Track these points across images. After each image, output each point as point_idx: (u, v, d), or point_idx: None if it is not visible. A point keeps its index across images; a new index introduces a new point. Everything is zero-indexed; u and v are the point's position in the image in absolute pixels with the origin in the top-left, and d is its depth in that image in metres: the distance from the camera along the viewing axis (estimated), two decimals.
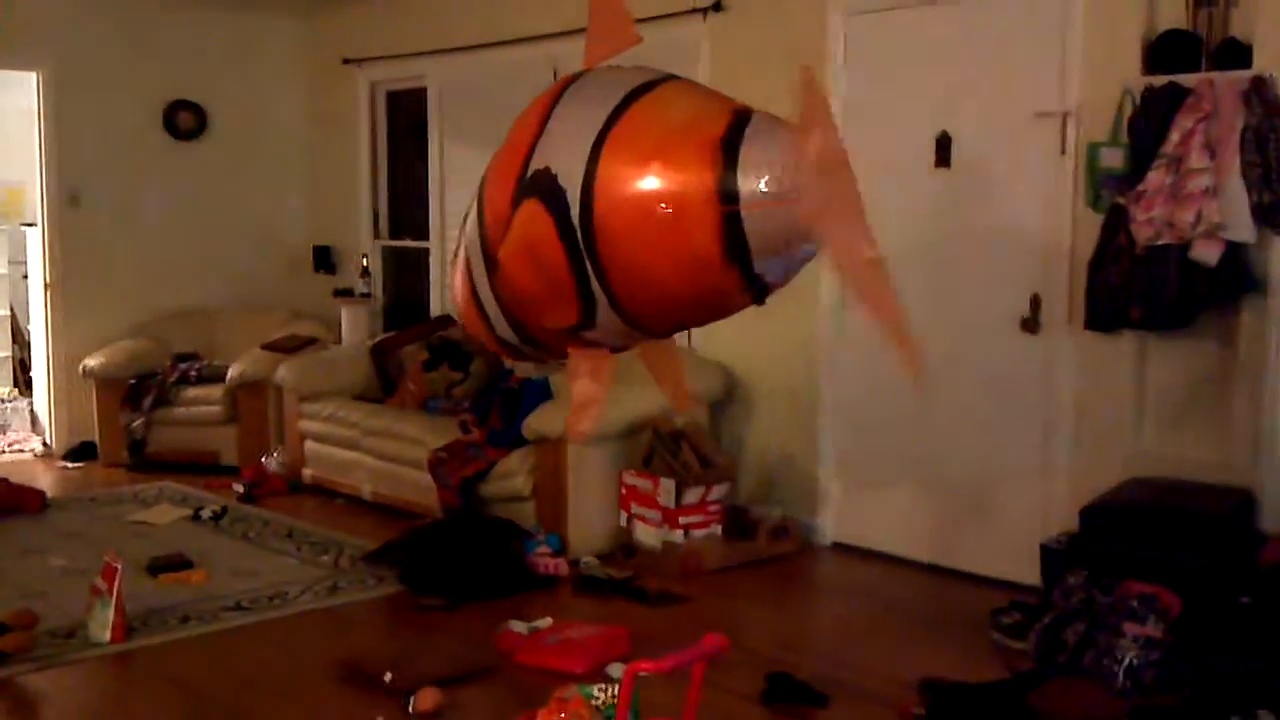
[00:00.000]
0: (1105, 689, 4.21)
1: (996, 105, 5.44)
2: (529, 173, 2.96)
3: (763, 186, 2.72)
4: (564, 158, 2.91)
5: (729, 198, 2.69)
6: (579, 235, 2.86)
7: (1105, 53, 5.03)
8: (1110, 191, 4.90)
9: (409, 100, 8.59)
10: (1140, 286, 4.72)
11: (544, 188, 2.91)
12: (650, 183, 2.78)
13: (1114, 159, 4.90)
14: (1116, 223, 4.81)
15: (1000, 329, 5.46)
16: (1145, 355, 5.03)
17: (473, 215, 3.29)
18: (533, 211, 2.95)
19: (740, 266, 2.78)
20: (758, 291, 2.90)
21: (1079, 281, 5.05)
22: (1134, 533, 4.55)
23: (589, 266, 2.90)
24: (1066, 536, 4.88)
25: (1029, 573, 5.12)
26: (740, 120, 2.79)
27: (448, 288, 3.60)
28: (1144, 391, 5.06)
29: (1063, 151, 5.19)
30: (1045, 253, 5.29)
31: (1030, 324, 5.35)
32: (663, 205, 2.77)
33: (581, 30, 7.27)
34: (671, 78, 3.03)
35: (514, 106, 7.40)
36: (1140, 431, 5.07)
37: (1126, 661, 4.19)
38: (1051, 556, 4.85)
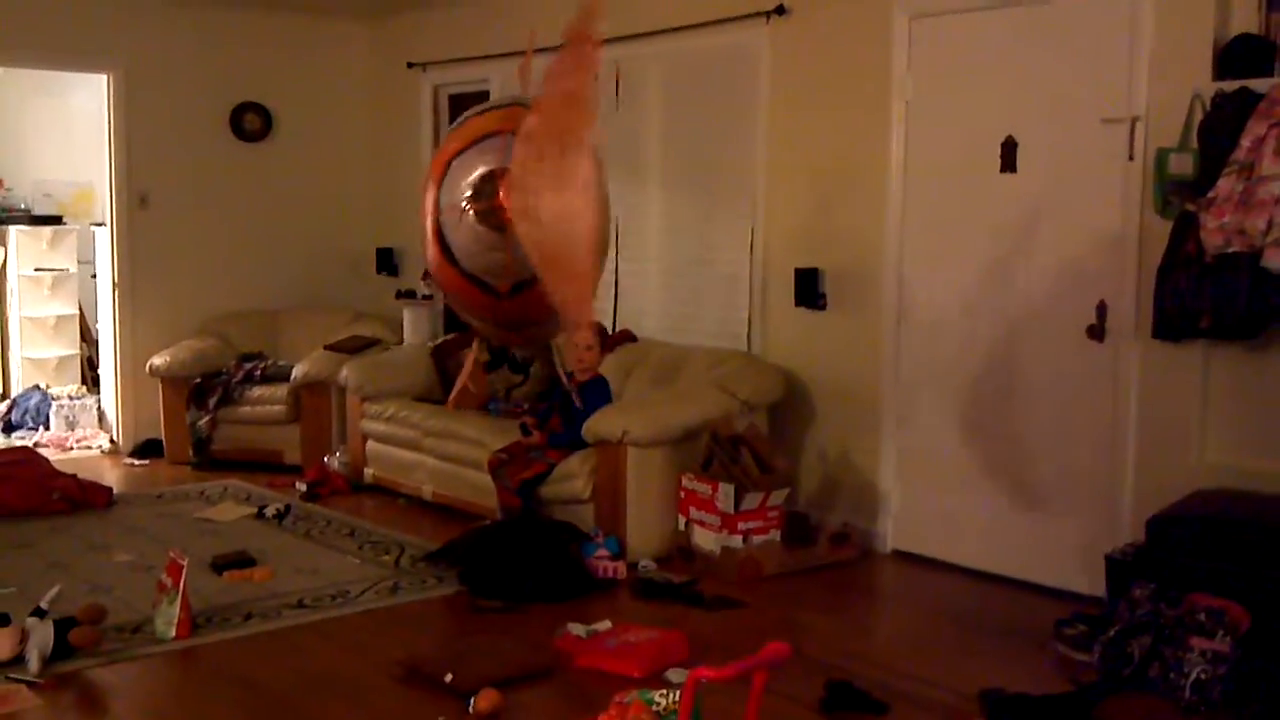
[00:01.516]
0: (1171, 703, 4.16)
1: (1063, 110, 5.38)
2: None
3: (454, 198, 3.31)
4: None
5: (436, 205, 3.39)
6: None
7: (1175, 57, 4.97)
8: (1179, 198, 4.83)
9: (471, 103, 8.56)
10: (1210, 295, 4.65)
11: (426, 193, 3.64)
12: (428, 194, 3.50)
13: (1183, 165, 4.83)
14: (1185, 230, 4.74)
15: (1066, 336, 5.40)
16: (1213, 364, 4.96)
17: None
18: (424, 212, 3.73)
19: (454, 264, 3.40)
20: (489, 290, 3.45)
21: (1146, 289, 4.98)
22: (1202, 545, 4.48)
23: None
24: (1132, 548, 4.82)
25: (1093, 584, 5.07)
26: (475, 141, 3.41)
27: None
28: (1212, 401, 4.98)
29: (1131, 157, 5.13)
30: (1112, 260, 5.22)
31: (1096, 331, 5.29)
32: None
33: (642, 35, 7.31)
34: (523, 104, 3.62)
35: None
36: (1208, 442, 5.00)
37: (1193, 676, 4.13)
38: (1117, 568, 4.79)
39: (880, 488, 6.17)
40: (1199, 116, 4.80)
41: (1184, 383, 5.02)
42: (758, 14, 6.48)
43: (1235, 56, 4.78)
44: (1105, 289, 5.26)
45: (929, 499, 6.02)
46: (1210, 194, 4.62)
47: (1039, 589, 5.48)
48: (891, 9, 5.95)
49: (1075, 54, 5.33)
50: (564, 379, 5.57)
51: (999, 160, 5.60)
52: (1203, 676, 4.12)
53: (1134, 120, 5.11)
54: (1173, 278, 4.79)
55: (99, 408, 9.19)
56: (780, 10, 6.40)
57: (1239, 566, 4.36)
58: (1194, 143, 4.80)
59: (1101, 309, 5.27)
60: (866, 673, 4.49)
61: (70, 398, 9.44)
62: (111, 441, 8.81)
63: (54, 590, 4.70)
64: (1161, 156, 4.93)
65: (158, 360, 8.28)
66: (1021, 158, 5.54)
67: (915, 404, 6.04)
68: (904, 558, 6.09)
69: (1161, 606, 4.36)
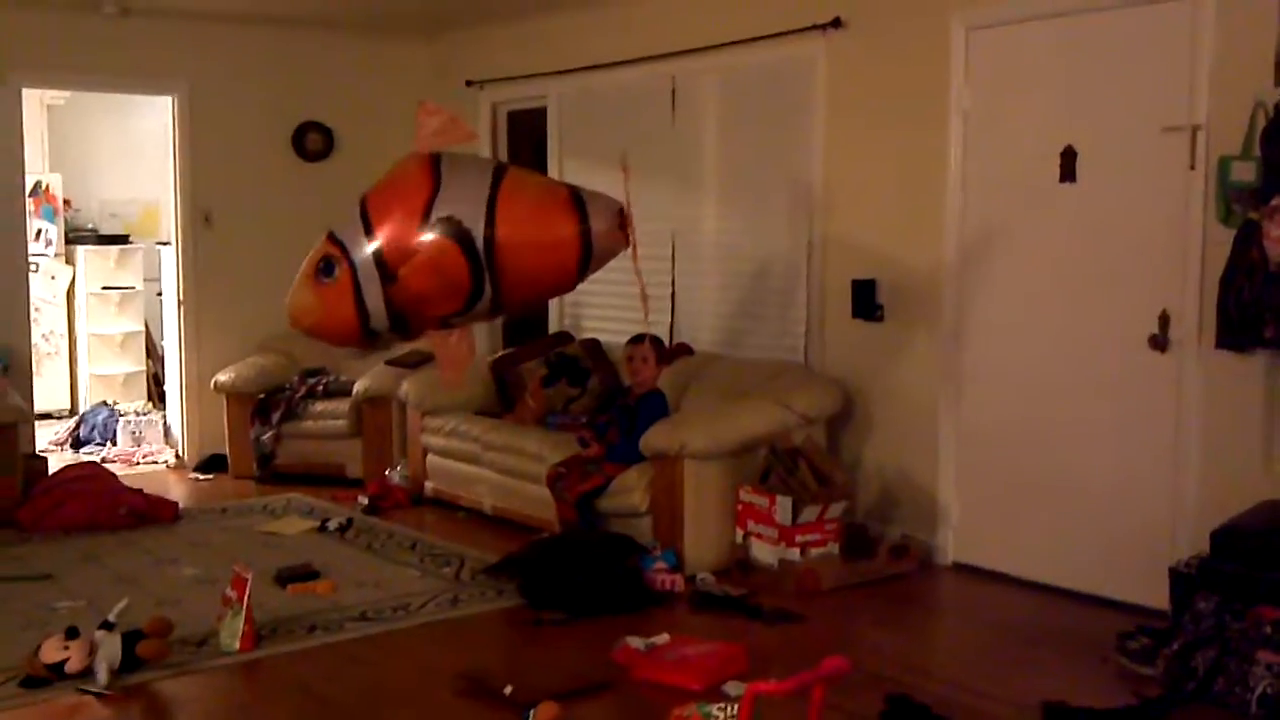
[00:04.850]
0: (1237, 718, 4.10)
1: (1123, 119, 5.33)
2: (434, 219, 4.84)
3: (601, 226, 4.82)
4: (466, 210, 4.82)
5: (585, 233, 4.82)
6: (483, 257, 4.79)
7: (1236, 65, 4.91)
8: (1242, 206, 4.78)
9: (529, 119, 8.69)
10: (1273, 304, 4.60)
11: (452, 228, 4.80)
12: (539, 226, 4.87)
13: (1246, 173, 4.78)
14: (1249, 238, 4.69)
15: (1128, 346, 5.34)
16: (1278, 374, 4.89)
17: (367, 250, 5.02)
18: (442, 244, 4.82)
19: (581, 273, 4.95)
20: (583, 277, 5.04)
21: (1209, 298, 4.93)
22: (1267, 557, 4.41)
23: (487, 275, 4.82)
24: (1196, 560, 4.76)
25: (1155, 596, 5.00)
26: (574, 189, 5.01)
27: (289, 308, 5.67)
28: (1276, 412, 4.91)
29: (1192, 166, 5.07)
30: (1174, 269, 5.17)
31: (1159, 341, 5.23)
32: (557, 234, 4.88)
33: (698, 49, 7.33)
34: (510, 165, 5.39)
35: (632, 124, 7.64)
36: (1272, 453, 4.92)
37: (1260, 690, 4.08)
38: (1180, 580, 4.73)
39: (940, 499, 6.14)
40: (1261, 124, 4.75)
41: (1248, 393, 4.95)
42: (814, 27, 6.48)
43: None
44: (1167, 299, 5.20)
45: (989, 511, 5.97)
46: (1274, 201, 4.58)
47: (1101, 601, 5.43)
48: (949, 20, 5.93)
49: (1135, 63, 5.29)
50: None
51: (1058, 170, 5.56)
52: (1269, 690, 4.06)
53: (1195, 129, 5.06)
54: (1236, 286, 4.74)
55: (165, 423, 9.33)
56: (837, 23, 6.40)
57: None
58: (1256, 150, 4.75)
59: (1164, 319, 5.21)
60: (926, 686, 4.46)
61: (137, 414, 9.59)
62: (177, 456, 8.93)
63: (122, 603, 4.77)
64: (1224, 164, 4.88)
65: (222, 376, 8.40)
66: (1081, 167, 5.50)
67: (974, 415, 6.00)
68: (964, 570, 6.05)
69: (1226, 619, 4.31)
